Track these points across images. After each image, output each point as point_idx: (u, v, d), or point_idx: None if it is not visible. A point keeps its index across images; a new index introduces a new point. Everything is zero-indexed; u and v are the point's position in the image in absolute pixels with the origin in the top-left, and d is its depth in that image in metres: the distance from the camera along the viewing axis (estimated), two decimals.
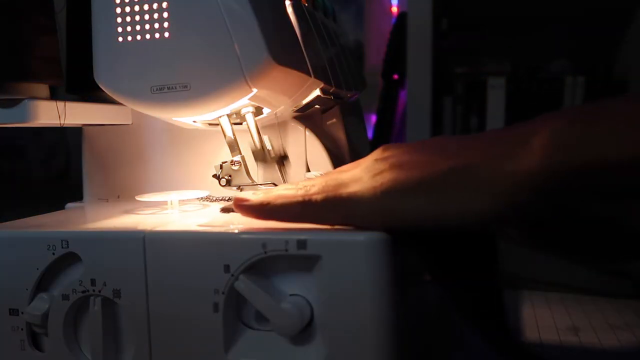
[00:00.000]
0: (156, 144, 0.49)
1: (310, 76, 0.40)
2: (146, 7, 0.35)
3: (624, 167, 0.24)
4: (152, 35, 0.35)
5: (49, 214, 0.43)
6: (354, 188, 0.30)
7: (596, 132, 0.25)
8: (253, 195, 0.33)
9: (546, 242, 0.37)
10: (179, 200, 0.43)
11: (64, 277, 0.35)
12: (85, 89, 0.49)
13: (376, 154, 0.31)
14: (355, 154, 0.52)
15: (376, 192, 0.29)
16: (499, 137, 0.28)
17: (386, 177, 0.29)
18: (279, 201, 0.32)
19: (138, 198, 0.42)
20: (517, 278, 0.62)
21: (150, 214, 0.41)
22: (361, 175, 0.30)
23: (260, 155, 0.41)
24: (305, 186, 0.31)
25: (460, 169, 0.27)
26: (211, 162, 0.42)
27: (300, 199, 0.31)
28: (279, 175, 0.41)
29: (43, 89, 0.42)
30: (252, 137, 0.41)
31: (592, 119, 0.25)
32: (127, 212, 0.42)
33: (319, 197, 0.30)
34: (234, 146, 0.40)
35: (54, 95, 0.43)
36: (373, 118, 1.41)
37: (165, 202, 0.43)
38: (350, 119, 0.58)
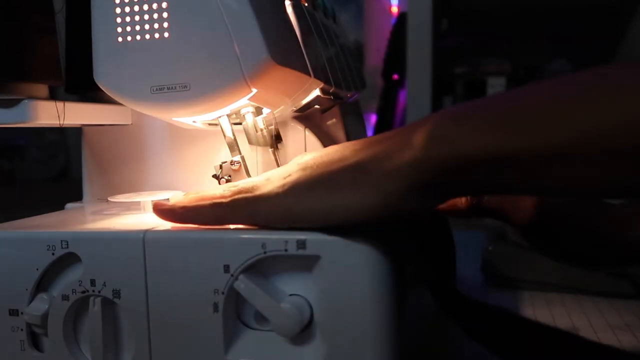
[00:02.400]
0: (156, 144, 0.49)
1: (310, 76, 0.40)
2: (146, 7, 0.35)
3: (493, 161, 0.25)
4: (152, 36, 0.35)
5: (48, 214, 0.43)
6: (262, 190, 0.31)
7: (468, 126, 0.26)
8: (173, 199, 0.34)
9: (536, 244, 0.39)
10: (152, 201, 0.42)
11: (63, 278, 0.35)
12: (84, 89, 0.49)
13: (295, 159, 0.33)
14: None
15: (278, 192, 0.31)
16: (392, 135, 0.29)
17: (290, 179, 0.31)
18: (192, 204, 0.33)
19: (110, 199, 0.42)
20: (517, 279, 0.62)
21: (126, 214, 0.40)
22: (273, 178, 0.32)
23: (252, 133, 0.40)
24: (228, 188, 0.33)
25: (353, 167, 0.29)
26: (211, 162, 0.42)
27: (211, 201, 0.32)
28: (274, 158, 0.41)
29: (42, 89, 0.42)
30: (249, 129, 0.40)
31: (467, 114, 0.27)
32: (94, 213, 0.42)
33: (228, 199, 0.32)
34: (233, 146, 0.40)
35: (53, 96, 0.43)
36: (373, 118, 1.42)
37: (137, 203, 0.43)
38: (350, 119, 0.58)
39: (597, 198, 0.37)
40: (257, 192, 0.31)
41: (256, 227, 0.32)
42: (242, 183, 0.33)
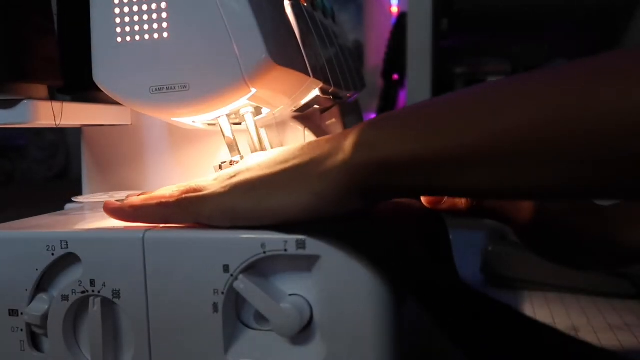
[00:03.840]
0: (155, 144, 0.49)
1: (309, 76, 0.40)
2: (145, 7, 0.35)
3: (410, 164, 0.26)
4: (151, 36, 0.35)
5: (48, 215, 0.43)
6: (207, 190, 0.33)
7: (386, 132, 0.27)
8: (130, 199, 0.35)
9: (533, 246, 0.39)
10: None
11: (63, 278, 0.35)
12: (78, 90, 0.49)
13: (245, 159, 0.34)
14: None
15: (221, 192, 0.32)
16: (329, 139, 0.30)
17: (233, 180, 0.32)
18: (139, 204, 0.34)
19: (75, 199, 0.42)
20: (517, 279, 0.62)
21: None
22: (220, 178, 0.33)
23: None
24: (178, 188, 0.34)
25: (291, 169, 0.30)
26: (210, 162, 0.42)
27: (158, 200, 0.33)
28: None
29: (42, 89, 0.42)
30: (251, 138, 0.40)
31: (388, 120, 0.28)
32: (94, 213, 0.42)
33: (174, 199, 0.33)
34: (233, 146, 0.40)
35: (52, 96, 0.43)
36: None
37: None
38: (350, 119, 0.58)
39: (514, 199, 0.38)
40: (202, 192, 0.33)
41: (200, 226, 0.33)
42: (192, 183, 0.35)
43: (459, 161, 0.25)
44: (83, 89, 0.49)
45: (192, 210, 0.32)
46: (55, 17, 0.47)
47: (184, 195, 0.33)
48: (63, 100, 0.43)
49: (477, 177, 0.25)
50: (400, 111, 0.29)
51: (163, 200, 0.33)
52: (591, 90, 0.23)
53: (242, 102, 0.37)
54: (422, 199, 0.38)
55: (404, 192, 0.30)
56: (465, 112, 0.26)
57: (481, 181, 0.25)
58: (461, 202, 0.38)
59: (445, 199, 0.38)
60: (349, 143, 0.28)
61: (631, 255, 0.39)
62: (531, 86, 0.25)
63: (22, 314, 0.35)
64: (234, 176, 0.32)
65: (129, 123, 0.50)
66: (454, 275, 0.40)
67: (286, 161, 0.31)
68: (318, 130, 0.47)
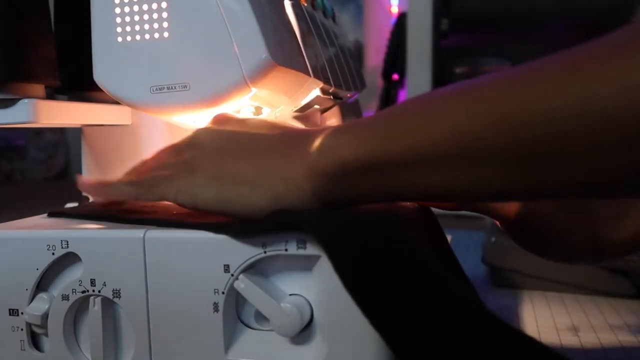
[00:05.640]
0: (156, 144, 0.49)
1: (310, 76, 0.40)
2: (145, 7, 0.35)
3: (369, 167, 0.28)
4: (152, 36, 0.35)
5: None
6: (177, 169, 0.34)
7: (348, 137, 0.29)
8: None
9: (520, 239, 0.40)
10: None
11: (63, 277, 0.35)
12: (75, 89, 0.49)
13: (187, 138, 0.35)
14: None
15: (186, 177, 0.33)
16: (300, 138, 0.31)
17: (200, 163, 0.33)
18: (111, 180, 0.36)
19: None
20: (517, 271, 0.62)
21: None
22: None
23: None
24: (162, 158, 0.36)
25: (257, 166, 0.31)
26: None
27: (128, 178, 0.36)
28: None
29: (39, 89, 0.42)
30: None
31: (350, 127, 0.29)
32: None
33: (142, 178, 0.35)
34: None
35: (48, 96, 0.43)
36: None
37: None
38: (350, 119, 0.58)
39: (469, 201, 0.38)
40: (169, 174, 0.33)
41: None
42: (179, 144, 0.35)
43: (406, 164, 0.26)
44: (80, 88, 0.49)
45: (158, 192, 0.34)
46: (53, 17, 0.47)
47: (153, 174, 0.34)
48: (60, 100, 0.43)
49: (424, 180, 0.26)
50: (361, 119, 0.30)
51: (134, 178, 0.35)
52: (511, 95, 0.24)
53: (242, 102, 0.37)
54: None
55: (363, 197, 0.31)
56: (410, 117, 0.27)
57: (429, 183, 0.27)
58: None
59: None
60: (313, 149, 0.29)
61: (617, 249, 0.39)
62: (465, 92, 0.26)
63: (22, 313, 0.35)
64: (197, 155, 0.33)
65: (129, 123, 0.50)
66: (463, 277, 0.40)
67: (254, 154, 0.32)
68: None
